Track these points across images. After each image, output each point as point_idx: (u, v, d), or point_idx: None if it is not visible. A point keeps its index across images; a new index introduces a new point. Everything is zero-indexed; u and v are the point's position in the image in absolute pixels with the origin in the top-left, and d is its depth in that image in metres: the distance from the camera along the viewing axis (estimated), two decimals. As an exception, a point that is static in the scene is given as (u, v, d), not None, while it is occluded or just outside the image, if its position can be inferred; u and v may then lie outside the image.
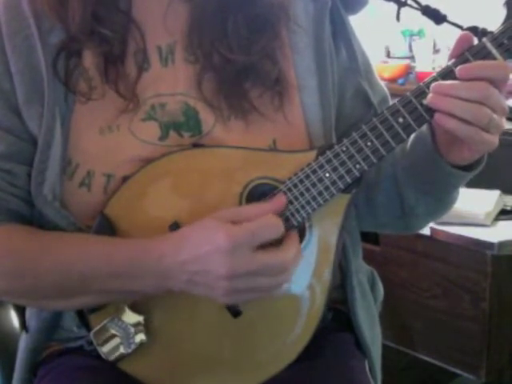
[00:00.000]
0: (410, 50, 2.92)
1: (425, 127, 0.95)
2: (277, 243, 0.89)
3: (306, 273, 0.96)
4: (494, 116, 0.87)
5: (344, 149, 0.92)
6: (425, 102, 0.89)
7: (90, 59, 0.96)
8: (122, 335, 0.94)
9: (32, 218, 0.97)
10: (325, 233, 0.96)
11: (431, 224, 1.70)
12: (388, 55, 2.96)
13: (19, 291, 0.97)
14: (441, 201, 1.03)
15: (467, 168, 0.95)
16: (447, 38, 2.56)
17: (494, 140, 0.89)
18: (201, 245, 0.86)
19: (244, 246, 0.86)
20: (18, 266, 0.94)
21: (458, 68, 0.88)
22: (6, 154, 0.95)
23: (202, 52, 0.97)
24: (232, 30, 0.96)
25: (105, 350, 0.95)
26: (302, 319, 0.97)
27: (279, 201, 0.92)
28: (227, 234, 0.85)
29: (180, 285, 0.89)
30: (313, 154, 0.94)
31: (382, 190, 1.05)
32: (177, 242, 0.89)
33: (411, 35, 2.90)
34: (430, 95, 0.88)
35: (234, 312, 0.93)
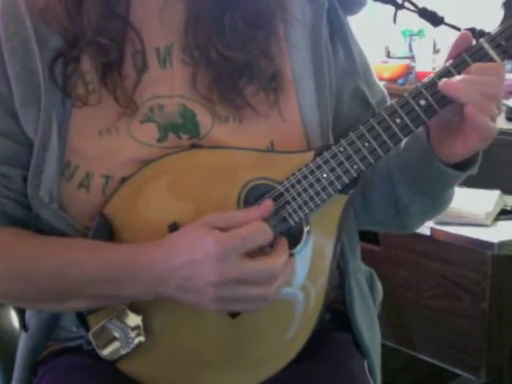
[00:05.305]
0: (410, 49, 2.92)
1: (419, 126, 0.95)
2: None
3: (300, 274, 0.96)
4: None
5: (341, 149, 0.92)
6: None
7: (88, 63, 0.96)
8: (121, 335, 0.94)
9: (27, 222, 0.97)
10: (322, 234, 0.96)
11: (431, 224, 1.70)
12: (388, 55, 2.96)
13: (13, 294, 0.97)
14: (435, 200, 1.03)
15: (462, 168, 0.96)
16: (447, 37, 2.56)
17: (496, 127, 0.90)
18: (191, 251, 0.86)
19: (233, 252, 0.85)
20: (10, 269, 0.95)
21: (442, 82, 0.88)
22: (1, 157, 0.95)
23: (198, 49, 0.97)
24: (229, 26, 0.96)
25: (104, 352, 0.95)
26: (297, 320, 0.97)
27: (266, 206, 0.91)
28: (216, 241, 0.85)
29: (170, 291, 0.89)
30: (310, 154, 0.94)
31: (377, 188, 1.05)
32: (168, 248, 0.88)
33: (411, 35, 2.90)
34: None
35: (232, 312, 0.93)
